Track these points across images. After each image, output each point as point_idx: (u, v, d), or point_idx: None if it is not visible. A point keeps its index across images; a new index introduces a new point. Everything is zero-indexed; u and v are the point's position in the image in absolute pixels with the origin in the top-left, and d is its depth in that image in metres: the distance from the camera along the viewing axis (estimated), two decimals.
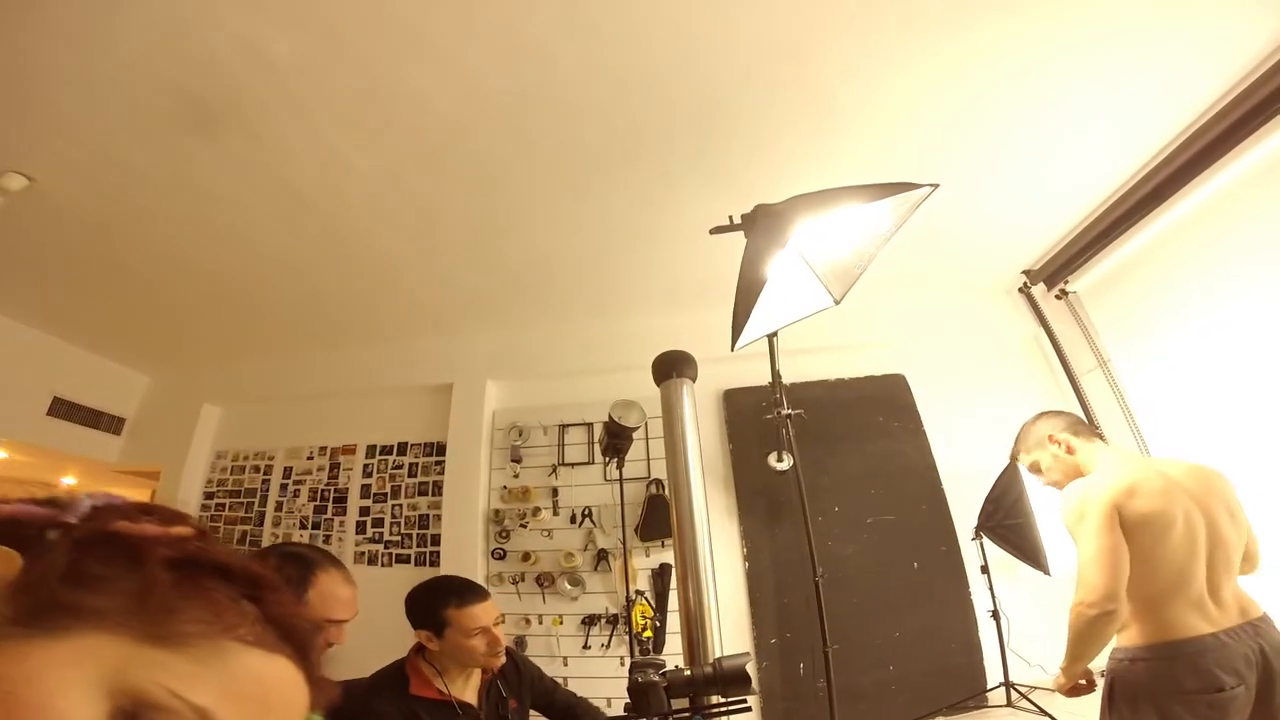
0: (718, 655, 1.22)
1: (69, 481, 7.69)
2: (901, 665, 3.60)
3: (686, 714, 1.16)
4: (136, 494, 7.41)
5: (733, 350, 1.90)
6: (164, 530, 0.39)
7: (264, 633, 0.38)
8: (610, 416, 2.84)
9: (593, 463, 4.17)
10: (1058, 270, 4.10)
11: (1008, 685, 3.43)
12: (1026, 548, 3.41)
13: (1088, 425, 1.82)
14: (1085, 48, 2.50)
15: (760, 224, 1.63)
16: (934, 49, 2.40)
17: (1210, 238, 3.35)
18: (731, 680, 1.13)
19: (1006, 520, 3.49)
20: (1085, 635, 1.55)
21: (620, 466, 3.17)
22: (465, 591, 1.55)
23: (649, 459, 4.07)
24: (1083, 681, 1.69)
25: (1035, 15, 2.32)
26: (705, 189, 3.13)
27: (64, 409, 4.91)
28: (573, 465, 4.20)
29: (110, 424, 5.31)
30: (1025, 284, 4.36)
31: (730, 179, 3.05)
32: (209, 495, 5.07)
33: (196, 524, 0.42)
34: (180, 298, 4.15)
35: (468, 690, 1.60)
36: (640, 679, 1.14)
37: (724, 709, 1.15)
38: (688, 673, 1.17)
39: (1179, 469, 1.63)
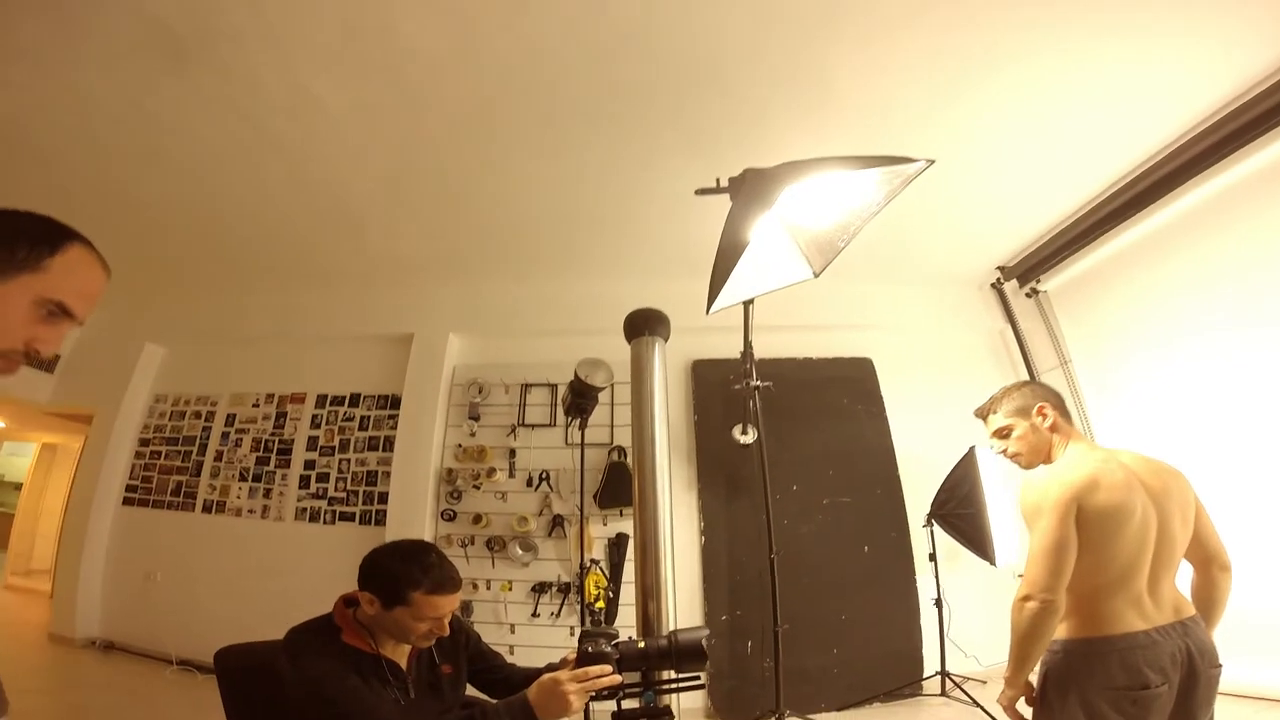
0: (672, 629, 1.15)
1: None
2: (845, 649, 3.61)
3: (638, 688, 1.09)
4: (68, 439, 7.05)
5: (708, 313, 1.82)
6: None
7: None
8: (576, 374, 2.74)
9: (554, 425, 4.06)
10: (1031, 269, 4.15)
11: (944, 675, 3.48)
12: (976, 537, 3.45)
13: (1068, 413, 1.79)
14: (1085, 47, 2.46)
15: (748, 186, 1.55)
16: (933, 11, 2.31)
17: (1179, 252, 3.45)
18: (687, 655, 1.05)
19: (959, 509, 3.52)
20: (1028, 633, 1.51)
21: (583, 428, 3.07)
22: (442, 582, 1.40)
23: (613, 425, 3.97)
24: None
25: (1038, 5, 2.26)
26: (687, 154, 3.01)
27: None
28: (533, 427, 4.09)
29: (42, 360, 4.96)
30: (999, 280, 4.41)
31: (713, 145, 2.92)
32: (144, 442, 4.82)
33: None
34: (128, 232, 3.90)
35: (398, 652, 1.50)
36: (591, 649, 1.07)
37: (677, 684, 1.09)
38: (641, 644, 1.09)
39: (1139, 463, 1.61)
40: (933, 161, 1.42)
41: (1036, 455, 1.73)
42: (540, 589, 3.77)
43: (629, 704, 1.11)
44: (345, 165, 3.20)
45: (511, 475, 4.00)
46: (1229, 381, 3.21)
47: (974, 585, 3.78)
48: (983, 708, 3.14)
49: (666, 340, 1.93)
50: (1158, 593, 1.53)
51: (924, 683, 3.59)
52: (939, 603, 3.57)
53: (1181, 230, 3.39)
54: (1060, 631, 1.55)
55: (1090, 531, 1.49)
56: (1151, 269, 3.62)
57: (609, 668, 1.09)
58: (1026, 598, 1.50)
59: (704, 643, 1.06)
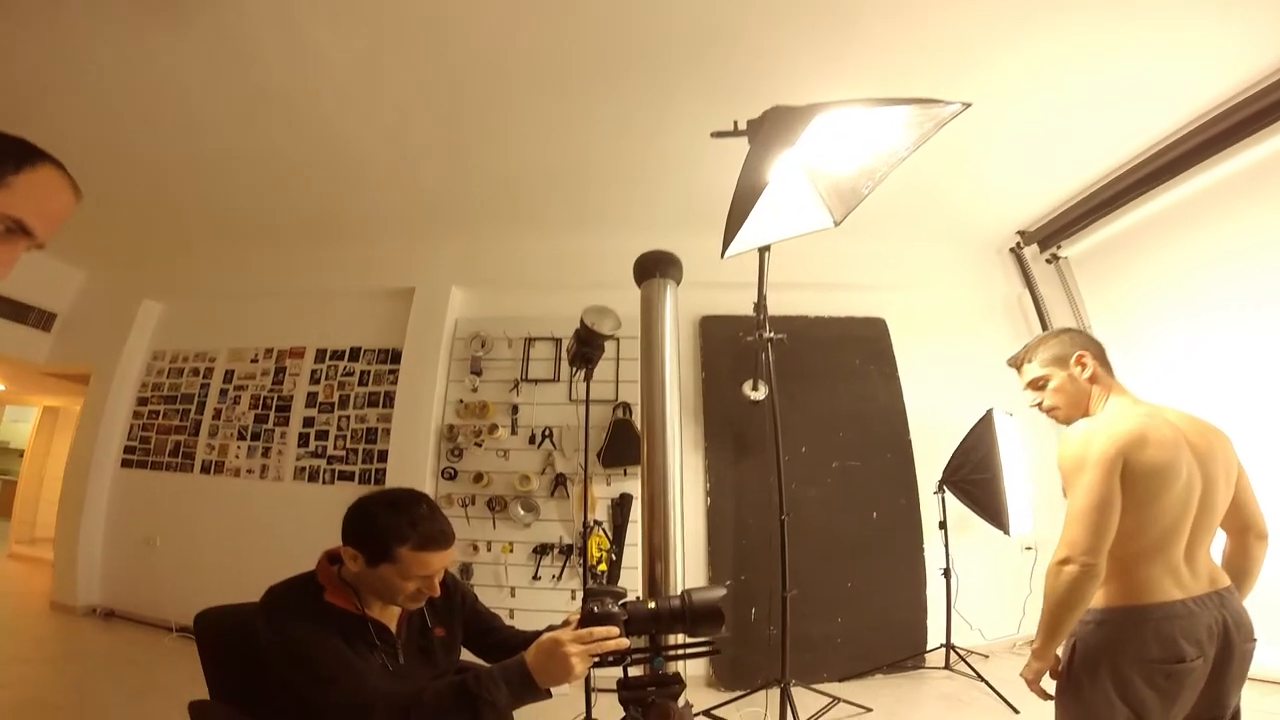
0: (684, 589, 1.04)
1: None
2: (850, 618, 3.53)
3: (646, 654, 0.99)
4: (69, 402, 6.96)
5: (723, 256, 1.69)
6: None
7: None
8: (582, 321, 2.62)
9: (557, 380, 3.95)
10: (1054, 234, 4.02)
11: (949, 647, 3.42)
12: (990, 504, 3.34)
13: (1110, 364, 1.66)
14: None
15: (769, 124, 1.44)
16: None
17: (1210, 226, 3.33)
18: (702, 616, 0.94)
19: (973, 475, 3.42)
20: (1064, 599, 1.40)
21: (588, 379, 2.95)
22: (432, 537, 1.25)
23: (617, 381, 3.85)
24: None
25: None
26: (704, 104, 2.84)
27: None
28: (536, 382, 3.97)
29: (40, 319, 4.94)
30: (1019, 244, 4.27)
31: (731, 95, 2.74)
32: (142, 401, 4.75)
33: None
34: (124, 190, 3.83)
35: (386, 613, 1.37)
36: (596, 609, 0.96)
37: (689, 650, 0.99)
38: (651, 605, 0.98)
39: (1185, 421, 1.49)
40: (968, 105, 1.29)
41: (1075, 408, 1.60)
42: (542, 551, 3.69)
43: (635, 671, 1.01)
44: (348, 118, 3.10)
45: (514, 432, 3.89)
46: (1254, 360, 3.12)
47: (981, 557, 3.72)
48: (987, 682, 3.08)
49: (678, 284, 1.80)
50: (1194, 560, 1.42)
51: (927, 655, 3.54)
52: (947, 573, 3.50)
53: (1213, 202, 3.27)
54: (1094, 600, 1.45)
55: (1135, 490, 1.38)
56: (1180, 241, 3.51)
57: (616, 629, 0.98)
58: (1065, 560, 1.39)
59: (721, 604, 0.96)
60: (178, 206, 4.13)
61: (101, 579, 4.43)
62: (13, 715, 2.61)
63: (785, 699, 2.59)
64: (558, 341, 4.02)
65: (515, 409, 3.93)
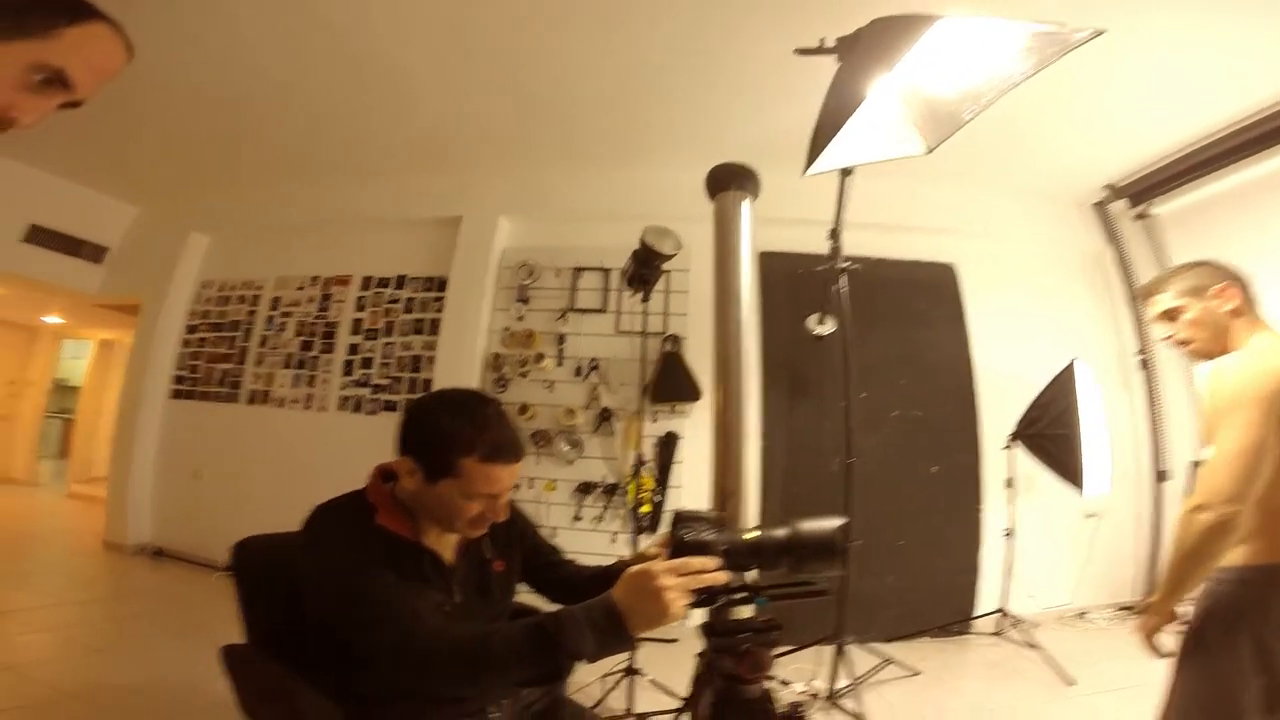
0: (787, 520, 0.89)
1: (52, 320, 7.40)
2: (901, 577, 3.39)
3: (743, 594, 0.84)
4: (123, 334, 7.10)
5: (804, 174, 1.52)
6: None
7: None
8: (643, 240, 2.48)
9: (605, 311, 3.81)
10: (1146, 189, 3.70)
11: (1003, 613, 3.25)
12: (1066, 462, 3.10)
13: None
14: None
15: (867, 39, 1.30)
16: None
17: None
18: (814, 551, 0.79)
19: (1050, 430, 3.18)
20: (1195, 549, 1.25)
21: (645, 300, 2.81)
22: (501, 447, 1.07)
23: (666, 313, 3.69)
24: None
25: None
26: (776, 23, 2.60)
27: (42, 236, 4.68)
28: (583, 312, 3.84)
29: (91, 253, 5.03)
30: (1106, 198, 3.93)
31: (807, 14, 2.44)
32: (191, 329, 4.79)
33: None
34: (173, 123, 3.83)
35: (442, 542, 1.18)
36: (687, 536, 0.81)
37: (794, 589, 0.83)
38: (752, 535, 0.84)
39: None
40: (1101, 32, 1.09)
41: (1213, 343, 1.42)
42: (584, 489, 3.61)
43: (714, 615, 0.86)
44: (398, 41, 2.96)
45: (560, 363, 3.79)
46: None
47: (1039, 521, 3.54)
48: (1040, 650, 2.94)
49: (755, 199, 1.61)
50: None
51: (976, 621, 3.41)
52: (1010, 534, 3.32)
53: None
54: (1234, 556, 1.28)
55: None
56: None
57: (715, 561, 0.80)
58: (1199, 508, 1.23)
59: (837, 536, 0.80)
60: (226, 141, 4.10)
61: (152, 516, 4.55)
62: (54, 659, 2.63)
63: (839, 656, 2.47)
64: (606, 272, 3.87)
65: (561, 339, 3.82)
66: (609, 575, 1.21)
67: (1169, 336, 1.49)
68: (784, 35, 2.64)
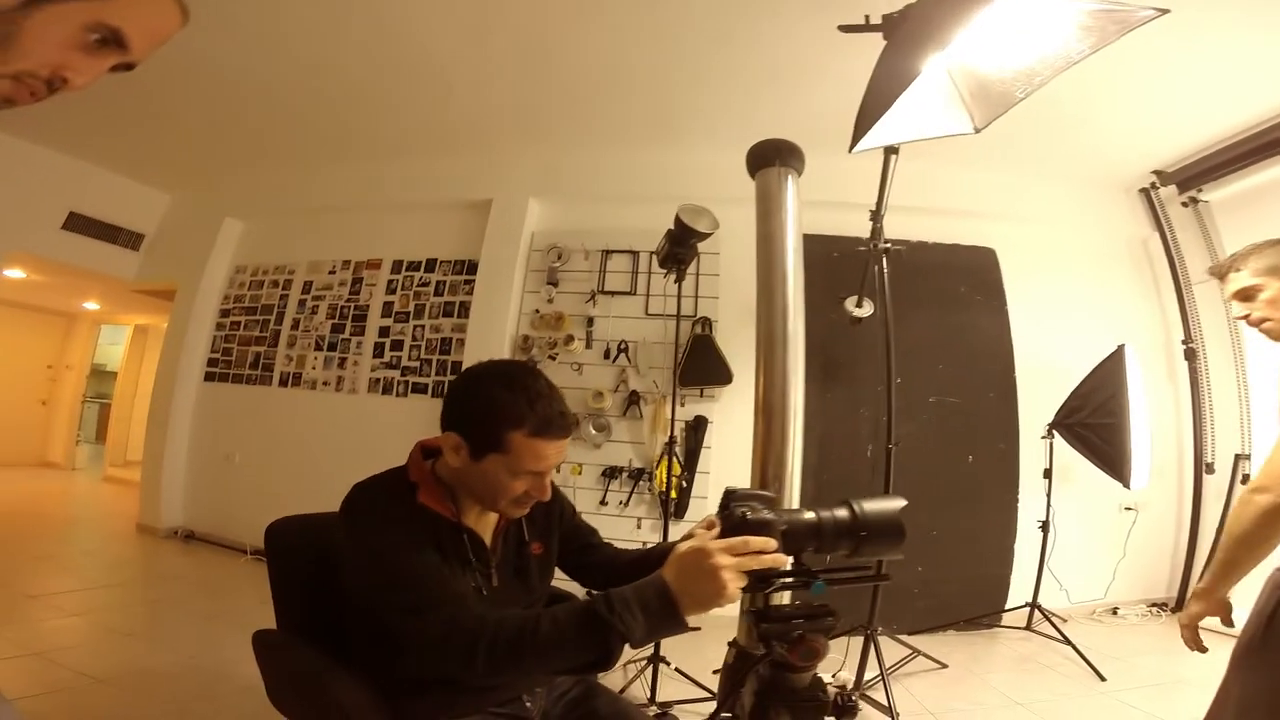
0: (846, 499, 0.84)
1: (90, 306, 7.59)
2: (931, 568, 3.32)
3: (802, 578, 0.80)
4: (158, 320, 7.23)
5: (850, 151, 1.48)
6: None
7: None
8: (678, 218, 2.42)
9: (634, 293, 3.79)
10: (1195, 175, 3.58)
11: (1034, 607, 3.17)
12: (1109, 453, 2.99)
13: None
14: None
15: (917, 15, 1.26)
16: None
17: None
18: (878, 532, 0.75)
19: (1092, 419, 3.08)
20: (1249, 534, 1.19)
21: (680, 280, 2.76)
22: (550, 421, 1.02)
23: (697, 296, 3.64)
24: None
25: None
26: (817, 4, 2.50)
27: (80, 224, 4.81)
28: (612, 294, 3.81)
29: (129, 240, 5.16)
30: (1154, 183, 3.80)
31: None
32: (225, 313, 4.86)
33: None
34: (205, 111, 3.88)
35: (482, 523, 1.14)
36: (746, 514, 0.77)
37: (853, 575, 0.79)
38: (811, 515, 0.80)
39: None
40: (1165, 11, 1.04)
41: None
42: (611, 474, 3.59)
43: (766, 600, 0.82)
44: (430, 20, 2.92)
45: (589, 346, 3.77)
46: None
47: (1075, 513, 3.45)
48: (1072, 644, 2.86)
49: (799, 176, 1.56)
50: None
51: (1006, 614, 3.33)
52: (1045, 526, 3.23)
53: None
54: None
55: None
56: None
57: (773, 542, 0.76)
58: (1260, 489, 1.17)
59: (901, 517, 0.76)
60: (258, 127, 4.13)
61: (184, 500, 4.62)
62: (84, 643, 2.62)
63: (869, 646, 2.43)
64: (635, 255, 3.84)
65: (591, 321, 3.80)
66: (650, 559, 1.17)
67: (1245, 315, 1.44)
68: (824, 13, 2.60)
